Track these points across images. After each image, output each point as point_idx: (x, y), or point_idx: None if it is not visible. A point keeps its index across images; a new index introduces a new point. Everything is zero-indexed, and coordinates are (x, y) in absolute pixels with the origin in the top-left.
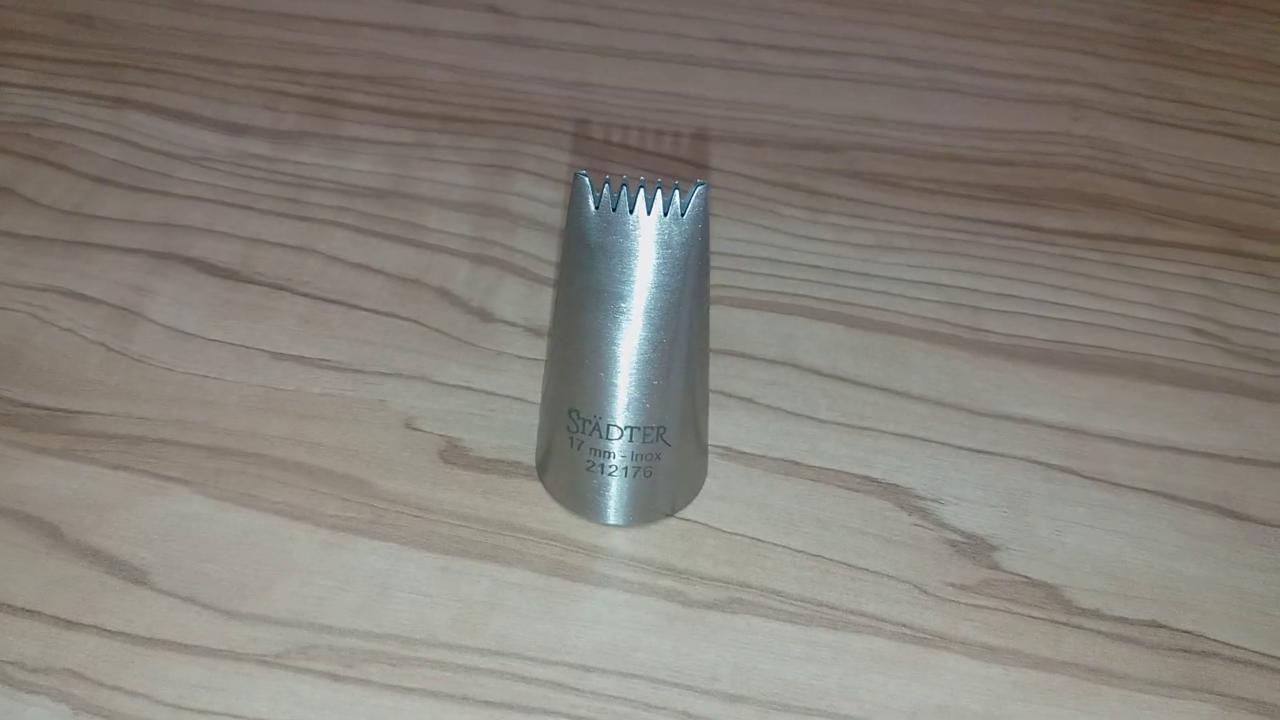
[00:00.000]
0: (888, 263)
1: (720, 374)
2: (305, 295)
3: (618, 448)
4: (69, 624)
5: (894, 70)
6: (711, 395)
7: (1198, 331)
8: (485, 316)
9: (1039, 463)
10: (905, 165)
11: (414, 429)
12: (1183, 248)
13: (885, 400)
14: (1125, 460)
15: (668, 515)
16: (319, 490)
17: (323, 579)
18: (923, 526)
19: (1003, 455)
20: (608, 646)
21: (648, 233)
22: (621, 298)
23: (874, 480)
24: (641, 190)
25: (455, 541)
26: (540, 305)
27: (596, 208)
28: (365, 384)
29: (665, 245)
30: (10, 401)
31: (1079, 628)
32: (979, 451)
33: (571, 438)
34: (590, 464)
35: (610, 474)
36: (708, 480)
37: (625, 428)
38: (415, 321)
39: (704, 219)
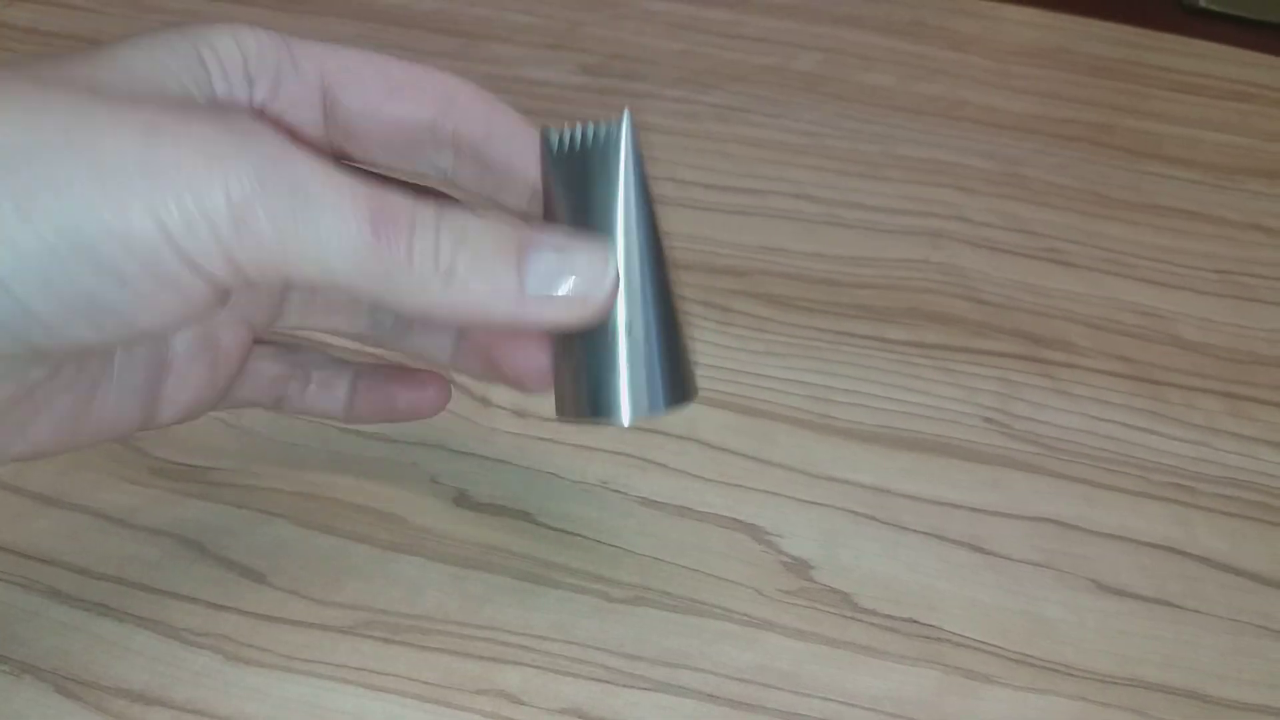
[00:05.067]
0: (771, 365)
1: (644, 445)
2: None
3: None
4: (218, 606)
5: (799, 206)
6: (636, 461)
7: (989, 420)
8: (485, 403)
9: (852, 511)
10: (795, 288)
11: (436, 482)
12: (993, 355)
13: (755, 466)
14: (913, 512)
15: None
16: (374, 523)
17: (377, 580)
18: (767, 552)
19: (828, 506)
20: (557, 624)
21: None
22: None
23: (739, 520)
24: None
25: (463, 557)
26: (521, 396)
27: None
28: (403, 451)
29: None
30: (165, 460)
31: (860, 620)
32: (812, 503)
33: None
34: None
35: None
36: (628, 519)
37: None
38: None
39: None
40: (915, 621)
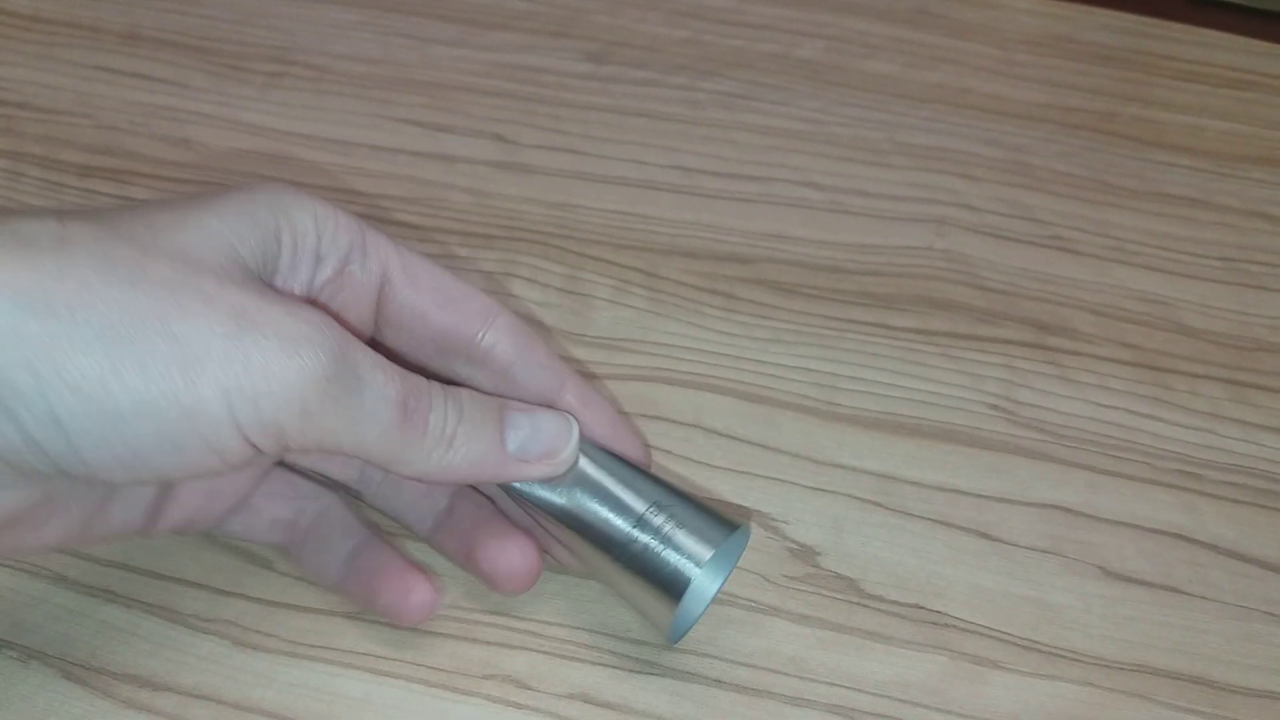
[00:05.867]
0: (776, 352)
1: (650, 432)
2: None
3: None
4: (225, 592)
5: (803, 194)
6: None
7: (994, 407)
8: None
9: (857, 498)
10: (799, 275)
11: None
12: (999, 342)
13: (760, 453)
14: (918, 498)
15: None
16: None
17: None
18: (773, 538)
19: (833, 492)
20: (563, 610)
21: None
22: None
23: (745, 507)
24: None
25: None
26: None
27: None
28: None
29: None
30: None
31: (866, 606)
32: (817, 489)
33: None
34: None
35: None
36: None
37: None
38: None
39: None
40: (921, 607)
